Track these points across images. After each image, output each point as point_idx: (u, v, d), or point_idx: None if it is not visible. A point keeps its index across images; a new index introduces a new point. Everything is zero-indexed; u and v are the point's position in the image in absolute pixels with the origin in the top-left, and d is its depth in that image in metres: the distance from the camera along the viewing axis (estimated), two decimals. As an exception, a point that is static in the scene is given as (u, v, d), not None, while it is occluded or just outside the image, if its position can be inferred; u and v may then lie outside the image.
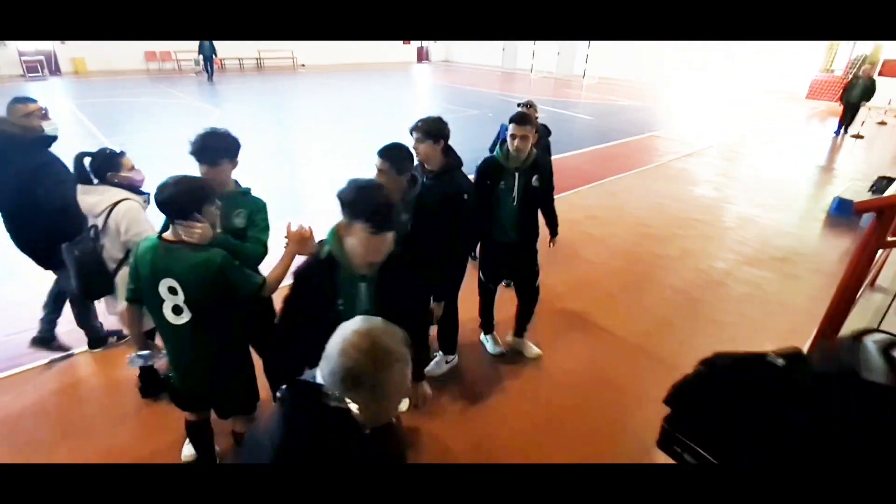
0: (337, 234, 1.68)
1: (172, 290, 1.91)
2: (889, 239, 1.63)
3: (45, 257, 3.06)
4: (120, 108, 11.69)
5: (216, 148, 2.24)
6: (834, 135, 10.87)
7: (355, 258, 1.64)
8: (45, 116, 2.91)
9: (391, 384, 1.04)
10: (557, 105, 14.65)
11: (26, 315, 3.46)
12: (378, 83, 18.69)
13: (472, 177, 2.94)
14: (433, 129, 2.64)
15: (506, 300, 3.59)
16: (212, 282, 1.90)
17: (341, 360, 1.01)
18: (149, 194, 2.58)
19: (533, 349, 3.49)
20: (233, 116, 11.33)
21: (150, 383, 2.98)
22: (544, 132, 4.21)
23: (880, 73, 15.45)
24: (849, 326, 1.94)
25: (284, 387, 1.10)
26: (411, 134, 2.67)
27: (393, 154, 2.29)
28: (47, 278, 3.30)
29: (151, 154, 6.84)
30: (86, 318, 3.34)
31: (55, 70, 17.17)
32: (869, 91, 9.94)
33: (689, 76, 20.73)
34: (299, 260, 1.99)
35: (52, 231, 2.83)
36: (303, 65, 22.92)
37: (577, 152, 9.23)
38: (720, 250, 5.41)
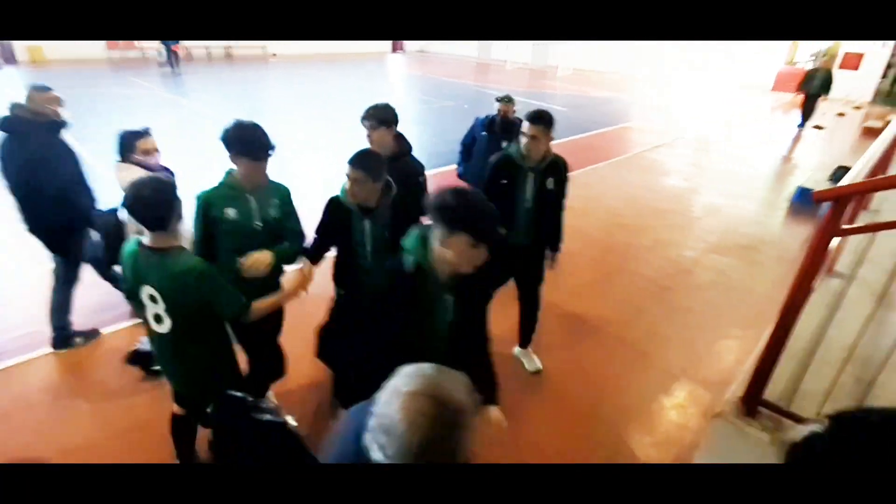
0: (423, 242, 1.57)
1: (153, 299, 1.85)
2: (843, 227, 1.72)
3: (50, 240, 3.13)
4: (82, 99, 11.19)
5: (266, 142, 2.19)
6: (798, 127, 11.23)
7: (444, 268, 1.55)
8: (61, 103, 3.05)
9: (468, 439, 0.89)
10: (533, 97, 14.72)
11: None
12: (352, 74, 18.41)
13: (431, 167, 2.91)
14: (386, 116, 2.68)
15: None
16: (189, 294, 1.82)
17: (411, 433, 0.84)
18: (171, 176, 2.85)
19: (535, 362, 3.35)
20: (203, 108, 11.02)
21: (141, 357, 2.92)
22: (520, 126, 4.21)
23: (841, 66, 16.03)
24: (808, 311, 2.04)
25: (213, 405, 1.00)
26: (363, 122, 2.68)
27: (367, 162, 2.19)
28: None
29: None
30: (60, 312, 3.27)
31: (10, 59, 16.33)
32: (827, 83, 10.26)
33: (662, 69, 21.06)
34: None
35: (59, 213, 2.97)
36: (274, 55, 22.38)
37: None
38: (689, 239, 5.57)
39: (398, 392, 0.87)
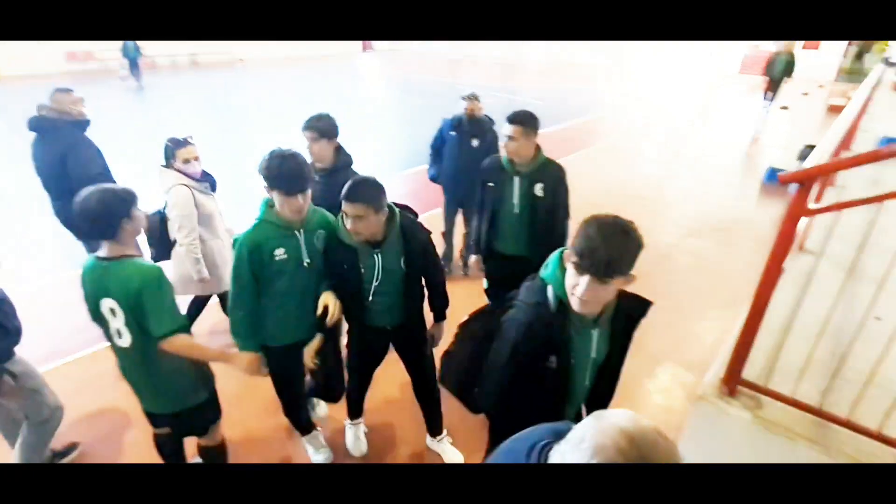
0: (564, 273, 1.44)
1: (113, 312, 1.82)
2: (810, 207, 1.76)
3: (80, 230, 3.31)
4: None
5: (309, 171, 2.02)
6: (763, 108, 11.49)
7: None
8: (84, 104, 3.37)
9: None
10: (507, 90, 14.77)
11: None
12: (323, 76, 18.23)
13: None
14: (327, 128, 2.60)
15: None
16: (133, 300, 1.78)
17: (592, 454, 0.78)
18: (208, 182, 2.99)
19: None
20: (170, 119, 10.78)
21: None
22: (488, 123, 4.16)
23: (804, 47, 16.46)
24: (782, 289, 2.09)
25: None
26: (303, 133, 2.59)
27: (366, 192, 1.94)
28: None
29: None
30: None
31: (-37, 76, 15.74)
32: (790, 66, 10.49)
33: (631, 57, 21.32)
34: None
35: None
36: (241, 60, 22.01)
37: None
38: (666, 224, 5.66)
39: (606, 419, 0.82)
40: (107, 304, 1.81)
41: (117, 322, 1.83)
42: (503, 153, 2.69)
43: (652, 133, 10.14)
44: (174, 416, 2.10)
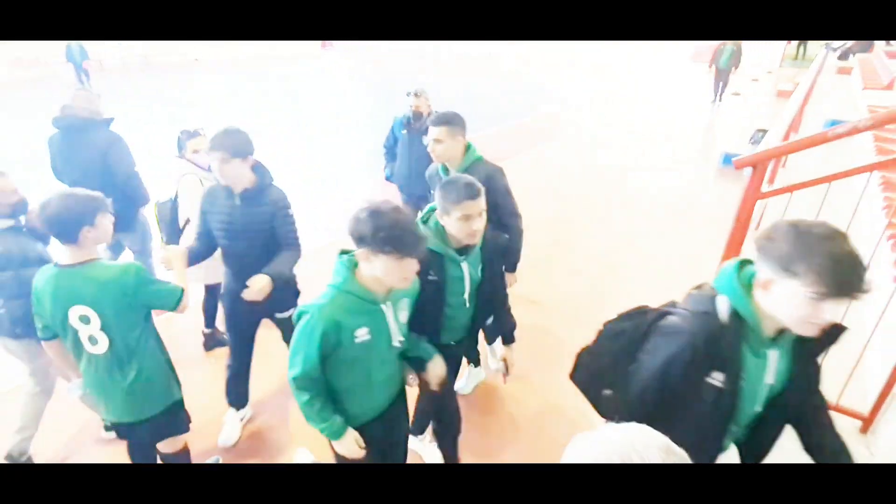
0: (741, 286, 1.21)
1: (84, 319, 1.76)
2: (764, 190, 1.84)
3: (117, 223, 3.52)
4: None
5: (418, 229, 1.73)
6: (714, 97, 11.87)
7: (770, 320, 1.19)
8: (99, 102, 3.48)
9: None
10: (467, 85, 14.79)
11: None
12: (282, 76, 17.78)
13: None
14: (240, 144, 2.21)
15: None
16: (128, 295, 1.79)
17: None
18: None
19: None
20: (124, 126, 10.32)
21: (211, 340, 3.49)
22: None
23: (750, 35, 17.08)
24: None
25: None
26: (212, 154, 2.18)
27: (480, 189, 1.84)
28: None
29: (29, 174, 6.09)
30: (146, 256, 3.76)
31: None
32: (736, 56, 10.90)
33: (593, 50, 21.70)
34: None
35: (125, 197, 3.33)
36: (196, 59, 21.27)
37: (483, 132, 9.39)
38: (630, 212, 5.80)
39: (637, 435, 0.75)
40: (76, 311, 1.76)
41: (90, 329, 1.78)
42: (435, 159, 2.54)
43: (610, 123, 10.35)
44: (152, 419, 2.04)
